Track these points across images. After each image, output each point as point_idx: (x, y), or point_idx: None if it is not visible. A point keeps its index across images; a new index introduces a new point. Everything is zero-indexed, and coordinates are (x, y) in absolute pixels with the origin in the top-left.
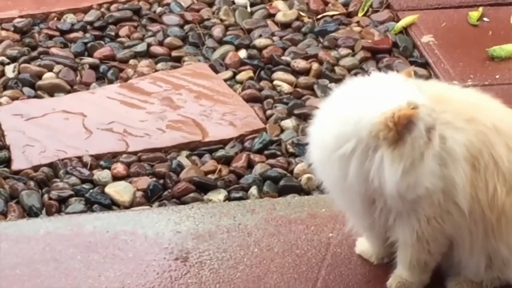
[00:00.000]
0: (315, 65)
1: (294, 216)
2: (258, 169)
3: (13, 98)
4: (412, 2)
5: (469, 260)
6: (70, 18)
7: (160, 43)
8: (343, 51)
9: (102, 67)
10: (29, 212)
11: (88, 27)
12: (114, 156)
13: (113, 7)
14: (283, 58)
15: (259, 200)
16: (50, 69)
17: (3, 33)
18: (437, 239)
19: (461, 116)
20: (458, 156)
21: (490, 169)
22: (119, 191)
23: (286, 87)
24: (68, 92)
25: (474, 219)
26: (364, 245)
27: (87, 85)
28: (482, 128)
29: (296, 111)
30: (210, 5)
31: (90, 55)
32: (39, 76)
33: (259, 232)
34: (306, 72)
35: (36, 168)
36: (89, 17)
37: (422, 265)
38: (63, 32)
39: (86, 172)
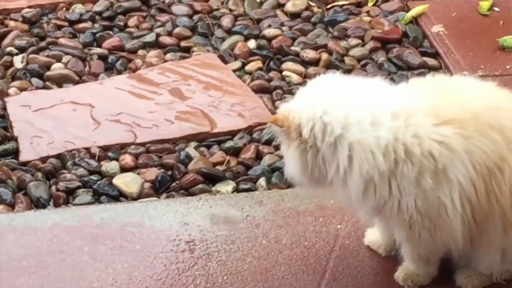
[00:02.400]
0: (324, 56)
1: (303, 207)
2: (267, 160)
3: (21, 89)
4: None
5: (484, 255)
6: (78, 8)
7: (169, 34)
8: (353, 41)
9: (111, 58)
10: (37, 204)
11: (97, 17)
12: (122, 147)
13: None
14: (292, 48)
15: (267, 192)
16: (58, 59)
17: (12, 23)
18: (428, 243)
19: (481, 128)
20: (454, 179)
21: None
22: (127, 182)
23: (295, 78)
24: (77, 82)
25: (493, 221)
26: (373, 236)
27: (95, 76)
28: (507, 134)
29: None
30: None
31: (99, 46)
32: (48, 66)
33: (267, 224)
34: (315, 62)
35: (44, 160)
36: (98, 7)
37: (424, 259)
38: (71, 23)
39: (94, 163)
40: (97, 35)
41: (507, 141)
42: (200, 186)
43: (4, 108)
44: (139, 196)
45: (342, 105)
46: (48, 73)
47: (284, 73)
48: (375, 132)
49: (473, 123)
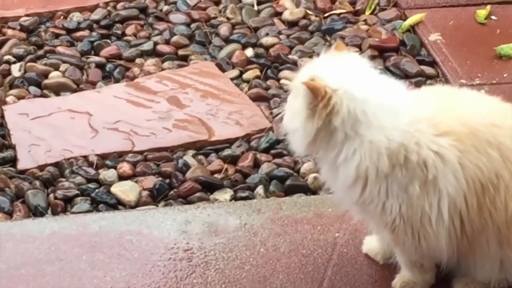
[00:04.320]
0: None
1: (301, 215)
2: (265, 168)
3: (19, 97)
4: (420, 0)
5: (480, 266)
6: (76, 16)
7: (167, 42)
8: (350, 49)
9: (109, 66)
10: (35, 212)
11: (95, 25)
12: (120, 156)
13: (119, 5)
14: (290, 56)
15: (265, 200)
16: (56, 68)
17: (10, 31)
18: (414, 249)
19: (480, 143)
20: (444, 190)
21: (510, 191)
22: (125, 190)
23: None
24: (74, 91)
25: (486, 237)
26: (371, 244)
27: (93, 84)
28: (504, 152)
29: None
30: (217, 3)
31: (97, 54)
32: (45, 75)
33: (265, 232)
34: None
35: (41, 168)
36: (96, 15)
37: (418, 266)
38: (69, 31)
39: (92, 171)
40: (95, 43)
41: (504, 159)
42: (198, 194)
43: (2, 116)
44: (137, 204)
45: (376, 100)
46: (46, 81)
47: (282, 81)
48: (391, 136)
49: (471, 138)
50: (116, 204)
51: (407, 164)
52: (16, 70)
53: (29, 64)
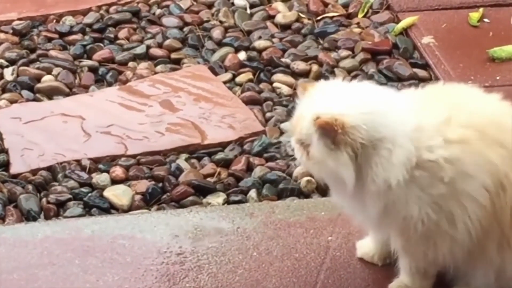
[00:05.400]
0: (315, 67)
1: (293, 219)
2: (258, 172)
3: (12, 101)
4: (412, 3)
5: (480, 272)
6: (69, 20)
7: (160, 45)
8: (343, 52)
9: (101, 70)
10: (27, 216)
11: (87, 29)
12: (113, 160)
13: (112, 9)
14: (282, 60)
15: (258, 204)
16: (49, 71)
17: (2, 35)
18: (424, 254)
19: (488, 142)
20: (466, 193)
21: None
22: (118, 194)
23: (285, 89)
24: (67, 95)
25: (491, 237)
26: (365, 247)
27: (86, 88)
28: (510, 151)
29: None
30: (210, 6)
31: (89, 58)
32: (38, 79)
33: (258, 236)
34: (306, 74)
35: (34, 172)
36: (88, 19)
37: (422, 272)
38: (62, 35)
39: (84, 175)
40: (88, 47)
41: (510, 157)
42: (191, 198)
43: None
44: (130, 208)
45: (382, 112)
46: (39, 85)
47: (275, 84)
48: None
49: (480, 139)
50: (109, 208)
51: (424, 166)
52: (8, 74)
53: (21, 68)
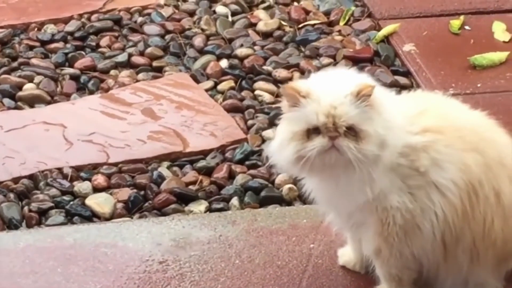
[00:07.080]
0: (296, 75)
1: (275, 227)
2: (239, 179)
3: None
4: (394, 11)
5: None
6: (50, 28)
7: (141, 53)
8: (325, 60)
9: (83, 78)
10: (9, 225)
11: (69, 37)
12: (94, 168)
13: (93, 17)
14: (264, 67)
15: (240, 211)
16: (30, 80)
17: None
18: (400, 256)
19: (464, 146)
20: (438, 183)
21: (490, 202)
22: (100, 202)
23: (267, 97)
24: (49, 103)
25: (462, 247)
26: (346, 255)
27: (67, 96)
28: (487, 160)
29: (277, 121)
30: (191, 14)
31: (71, 66)
32: (19, 87)
33: (240, 244)
34: (287, 81)
35: (16, 180)
36: (70, 27)
37: (396, 279)
38: (43, 43)
39: (66, 183)
40: (69, 55)
41: (486, 167)
42: (172, 206)
43: None
44: (112, 216)
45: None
46: (20, 93)
47: (256, 92)
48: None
49: (457, 137)
50: (91, 216)
51: (404, 156)
52: None
53: (3, 76)
